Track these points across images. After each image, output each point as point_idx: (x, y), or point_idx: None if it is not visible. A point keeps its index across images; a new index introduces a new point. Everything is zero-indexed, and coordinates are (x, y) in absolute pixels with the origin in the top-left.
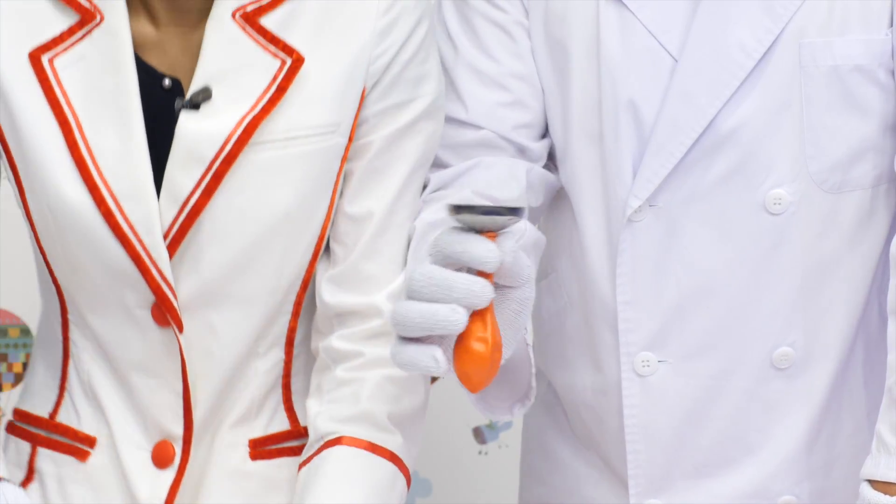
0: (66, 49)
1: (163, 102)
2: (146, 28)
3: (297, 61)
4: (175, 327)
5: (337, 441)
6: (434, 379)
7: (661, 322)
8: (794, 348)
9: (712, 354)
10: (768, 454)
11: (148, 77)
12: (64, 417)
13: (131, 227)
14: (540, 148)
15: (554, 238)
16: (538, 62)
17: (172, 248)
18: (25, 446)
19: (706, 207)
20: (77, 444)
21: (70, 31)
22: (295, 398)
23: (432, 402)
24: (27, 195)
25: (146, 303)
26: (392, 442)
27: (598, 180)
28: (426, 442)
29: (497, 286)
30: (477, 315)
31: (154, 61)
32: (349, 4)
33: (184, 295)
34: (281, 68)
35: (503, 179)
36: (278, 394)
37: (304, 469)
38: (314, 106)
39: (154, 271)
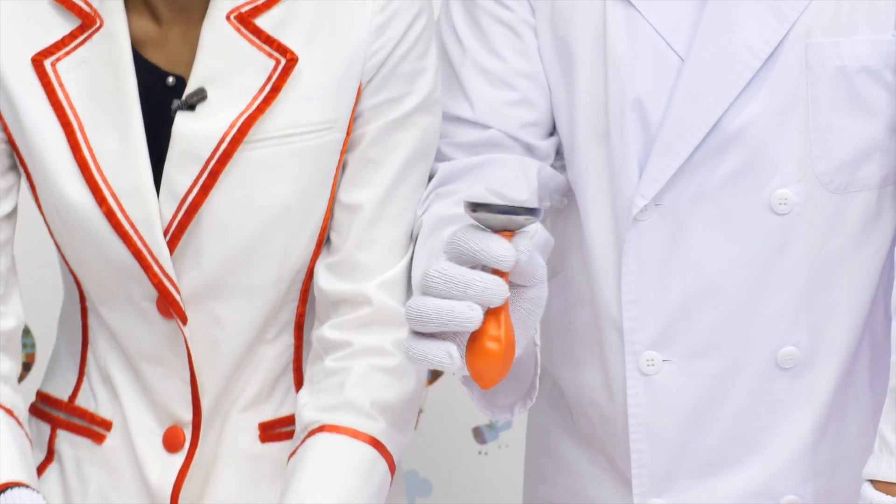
0: (67, 53)
1: (166, 99)
2: (148, 26)
3: (292, 61)
4: (178, 319)
5: (319, 430)
6: (434, 378)
7: (666, 321)
8: (798, 348)
9: (717, 354)
10: (772, 454)
11: (151, 75)
12: (82, 401)
13: (132, 226)
14: (547, 146)
15: (563, 236)
16: (545, 61)
17: (173, 243)
18: (46, 428)
19: (712, 207)
20: (94, 428)
21: (71, 36)
22: None
23: (432, 402)
24: (38, 193)
25: (150, 296)
26: (374, 428)
27: (605, 179)
28: (426, 442)
29: (511, 285)
30: (491, 313)
31: (156, 59)
32: (344, 3)
33: (186, 288)
34: (275, 68)
35: (515, 178)
36: (289, 378)
37: (290, 461)
38: (310, 104)
39: (155, 267)
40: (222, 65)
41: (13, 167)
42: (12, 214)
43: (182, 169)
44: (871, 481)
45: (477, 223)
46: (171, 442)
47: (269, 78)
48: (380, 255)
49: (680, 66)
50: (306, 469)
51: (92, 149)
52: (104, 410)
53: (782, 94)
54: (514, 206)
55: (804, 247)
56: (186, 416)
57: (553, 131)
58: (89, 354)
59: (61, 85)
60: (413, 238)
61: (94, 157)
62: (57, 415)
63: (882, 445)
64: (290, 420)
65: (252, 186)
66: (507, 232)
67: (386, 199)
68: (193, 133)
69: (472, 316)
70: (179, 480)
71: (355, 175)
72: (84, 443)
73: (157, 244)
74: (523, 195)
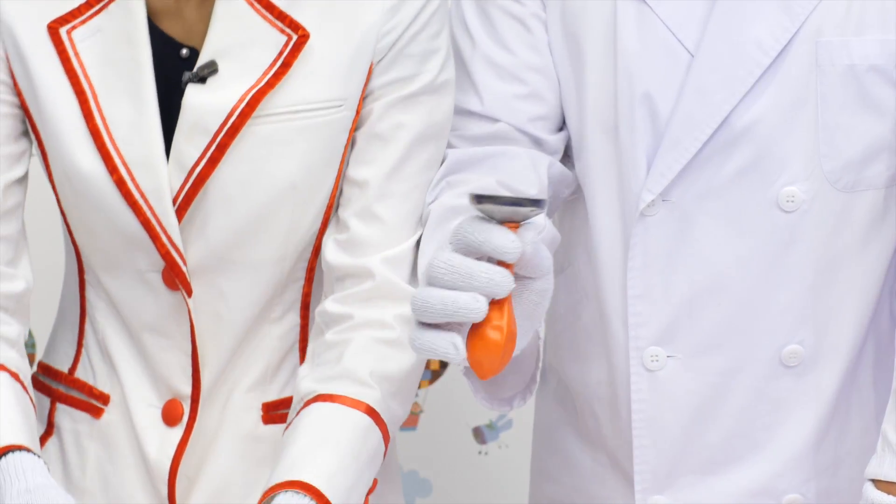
0: (83, 21)
1: (179, 71)
2: None
3: (303, 37)
4: (184, 291)
5: (314, 399)
6: (434, 379)
7: (671, 317)
8: (803, 346)
9: (721, 351)
10: (775, 452)
11: (165, 46)
12: (81, 374)
13: (142, 195)
14: (556, 141)
15: (570, 232)
16: (555, 55)
17: (180, 214)
18: (46, 401)
19: (719, 203)
20: (92, 401)
21: (88, 4)
22: None
23: (432, 402)
24: (49, 160)
25: (157, 267)
26: (369, 396)
27: (613, 174)
28: (426, 442)
29: (517, 276)
30: (495, 304)
31: (171, 30)
32: None
33: (192, 260)
34: (287, 44)
35: (526, 172)
36: (295, 358)
37: (285, 431)
38: (320, 81)
39: (164, 237)
40: (234, 38)
41: (26, 133)
42: (23, 179)
43: (191, 141)
44: (873, 481)
45: (483, 215)
46: (170, 415)
47: (281, 53)
48: (386, 231)
49: (690, 62)
50: (298, 439)
51: (105, 117)
52: (102, 384)
53: (791, 92)
54: (518, 198)
55: (810, 245)
56: (186, 389)
57: (562, 126)
58: (87, 327)
59: (76, 53)
60: (422, 224)
61: (107, 125)
62: (57, 387)
63: (885, 445)
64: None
65: (260, 161)
66: (513, 224)
67: (392, 176)
68: (203, 105)
69: (476, 307)
70: (178, 454)
71: (362, 151)
72: (83, 417)
73: (167, 214)
74: (533, 189)
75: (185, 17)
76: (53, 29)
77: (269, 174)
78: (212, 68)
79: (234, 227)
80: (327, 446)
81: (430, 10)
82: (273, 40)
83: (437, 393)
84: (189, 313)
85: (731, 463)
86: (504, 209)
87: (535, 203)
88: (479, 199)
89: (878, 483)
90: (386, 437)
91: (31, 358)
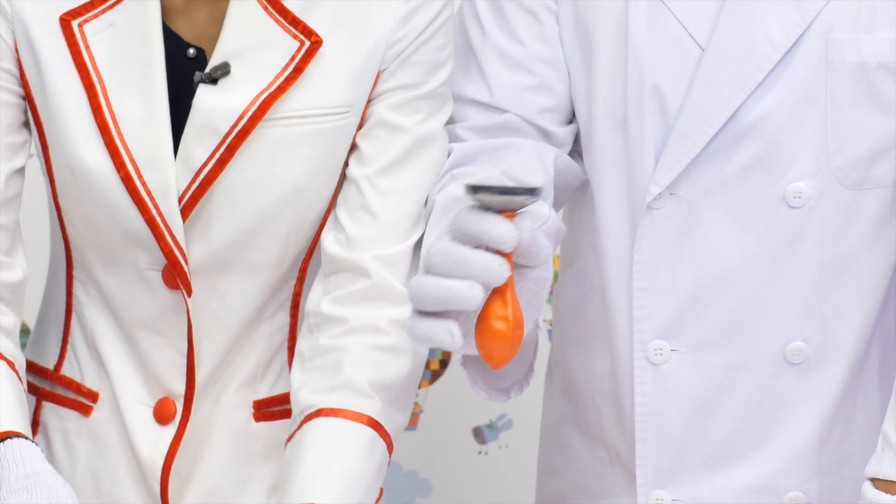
0: (96, 15)
1: (186, 71)
2: None
3: (316, 43)
4: (184, 290)
5: (316, 414)
6: (434, 379)
7: (676, 311)
8: (808, 343)
9: (725, 346)
10: (778, 449)
11: (174, 45)
12: (68, 370)
13: (148, 193)
14: (564, 133)
15: (578, 225)
16: (565, 47)
17: (185, 213)
18: (31, 400)
19: (726, 198)
20: (80, 399)
21: None
22: None
23: (432, 402)
24: (50, 153)
25: (157, 265)
26: (371, 407)
27: (621, 167)
28: (426, 442)
29: (516, 265)
30: (497, 293)
31: (181, 30)
32: None
33: (194, 260)
34: (299, 49)
35: (531, 163)
36: (283, 356)
37: (288, 445)
38: (330, 87)
39: (168, 236)
40: (247, 41)
41: (27, 123)
42: (22, 171)
43: (200, 141)
44: (872, 480)
45: (479, 204)
46: (162, 414)
47: (293, 58)
48: (381, 229)
49: (700, 56)
50: (306, 459)
51: (114, 112)
52: (90, 381)
53: (800, 88)
54: (513, 187)
55: (817, 241)
56: (179, 388)
57: (571, 119)
58: (73, 323)
59: (87, 46)
60: (426, 218)
61: (116, 121)
62: (42, 385)
63: (885, 444)
64: (283, 398)
65: (267, 164)
66: (509, 213)
67: (390, 175)
68: (214, 107)
69: (471, 295)
70: (171, 453)
71: (360, 150)
72: (71, 415)
73: (172, 213)
74: (539, 181)
75: (193, 17)
76: (65, 21)
77: (275, 177)
78: (224, 70)
79: (238, 228)
80: (335, 465)
81: (440, 21)
82: (286, 45)
83: (437, 393)
84: (188, 313)
85: (733, 459)
86: (499, 198)
87: (531, 192)
88: (475, 189)
89: (877, 482)
90: (390, 447)
91: None
